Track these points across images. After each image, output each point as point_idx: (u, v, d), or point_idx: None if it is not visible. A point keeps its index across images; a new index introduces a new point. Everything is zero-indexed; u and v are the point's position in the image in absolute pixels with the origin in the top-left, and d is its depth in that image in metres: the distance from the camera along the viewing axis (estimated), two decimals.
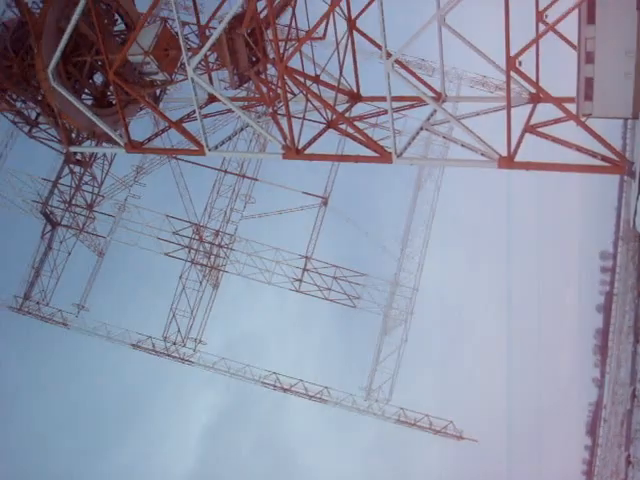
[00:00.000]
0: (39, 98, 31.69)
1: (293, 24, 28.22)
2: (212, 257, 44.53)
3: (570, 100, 21.54)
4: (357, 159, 25.06)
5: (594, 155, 20.74)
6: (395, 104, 25.30)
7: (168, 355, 44.09)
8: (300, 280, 43.80)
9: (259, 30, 27.01)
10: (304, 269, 43.89)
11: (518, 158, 21.79)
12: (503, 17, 19.38)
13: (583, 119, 20.85)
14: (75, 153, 35.65)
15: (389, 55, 22.61)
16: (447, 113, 23.95)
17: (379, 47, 23.27)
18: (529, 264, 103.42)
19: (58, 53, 29.19)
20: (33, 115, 33.35)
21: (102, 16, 30.75)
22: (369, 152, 24.62)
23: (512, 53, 20.24)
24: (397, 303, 45.34)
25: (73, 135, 32.94)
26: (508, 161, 21.69)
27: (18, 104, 32.53)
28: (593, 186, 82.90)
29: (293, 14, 27.95)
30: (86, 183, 42.55)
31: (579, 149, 21.08)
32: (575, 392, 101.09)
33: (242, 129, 33.93)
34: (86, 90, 32.46)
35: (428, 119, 26.10)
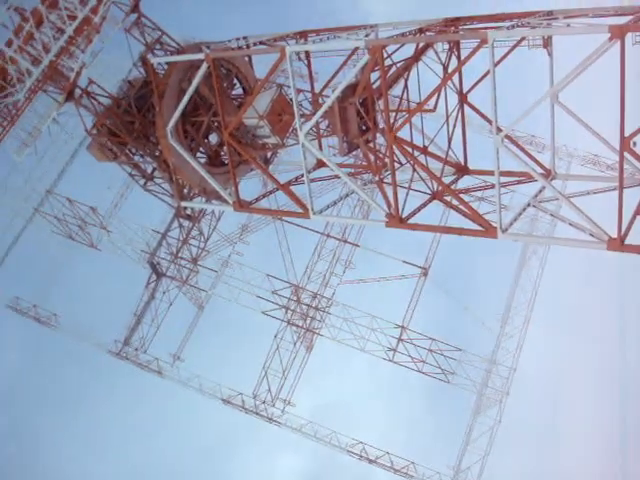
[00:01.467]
0: (156, 154, 33.29)
1: (404, 95, 28.67)
2: (308, 319, 44.70)
3: None
4: (461, 232, 24.82)
5: None
6: (503, 179, 25.08)
7: (256, 413, 44.12)
8: (394, 350, 43.23)
9: (371, 100, 27.55)
10: (399, 339, 43.33)
11: (629, 241, 21.03)
12: (618, 96, 19.04)
13: None
14: (185, 208, 36.98)
15: (499, 130, 22.56)
16: (556, 191, 23.50)
17: (489, 122, 23.24)
18: None
19: (178, 113, 30.70)
20: (149, 169, 35.02)
21: (222, 80, 32.24)
22: (473, 225, 24.37)
23: (626, 133, 19.77)
24: (493, 382, 43.96)
25: (185, 191, 34.29)
26: (618, 243, 20.94)
27: (136, 158, 34.27)
28: None
29: (405, 86, 28.41)
30: (193, 237, 43.90)
31: None
32: None
33: (347, 195, 34.45)
34: (201, 149, 33.87)
35: (536, 196, 25.67)
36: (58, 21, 29.08)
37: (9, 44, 28.44)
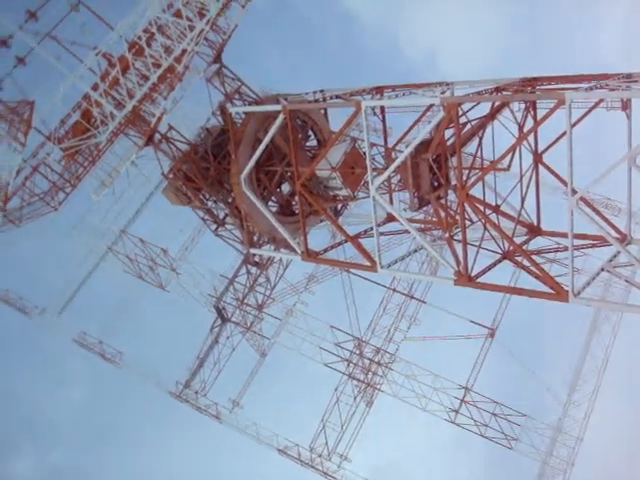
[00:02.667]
0: (229, 200, 33.86)
1: (478, 153, 28.49)
2: (370, 374, 44.15)
3: None
4: (531, 294, 24.21)
5: None
6: (576, 241, 24.45)
7: (312, 467, 43.49)
8: (456, 411, 42.19)
9: (444, 157, 27.46)
10: (462, 400, 42.30)
11: None
12: None
13: None
14: (254, 255, 37.35)
15: (574, 192, 22.08)
16: (631, 256, 22.76)
17: (564, 183, 22.81)
18: None
19: (253, 161, 31.25)
20: (221, 215, 35.61)
21: (297, 131, 32.73)
22: (544, 287, 23.76)
23: None
24: (558, 451, 42.27)
25: (255, 238, 34.66)
26: None
27: (209, 203, 34.92)
28: None
29: (479, 144, 28.25)
30: (260, 284, 44.22)
31: None
32: None
33: (416, 250, 34.24)
34: (273, 198, 34.30)
35: (610, 260, 24.91)
36: (143, 68, 30.22)
37: (95, 88, 29.60)
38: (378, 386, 44.49)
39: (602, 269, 24.80)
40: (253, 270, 42.74)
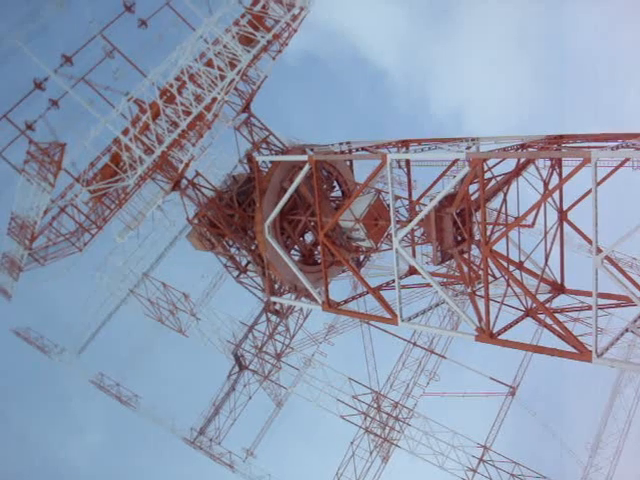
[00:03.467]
0: (252, 247, 34.01)
1: (503, 209, 28.47)
2: (387, 429, 43.45)
3: None
4: (554, 352, 23.89)
5: None
6: (600, 301, 24.21)
7: None
8: (474, 471, 41.26)
9: (468, 211, 27.47)
10: (480, 459, 41.39)
11: None
12: None
13: None
14: (275, 303, 37.27)
15: (599, 251, 21.93)
16: None
17: (589, 241, 22.71)
18: None
19: (277, 210, 31.48)
20: (244, 262, 35.70)
21: (322, 182, 32.99)
22: (567, 346, 23.45)
23: None
24: None
25: (276, 286, 34.69)
26: None
27: (233, 250, 35.06)
28: None
29: (504, 200, 28.27)
30: (279, 333, 43.95)
31: None
32: None
33: (438, 305, 33.98)
34: (296, 246, 34.41)
35: (635, 321, 24.54)
36: (173, 115, 30.74)
37: (125, 132, 30.14)
38: (395, 441, 43.72)
39: (626, 329, 24.44)
40: (273, 318, 42.57)
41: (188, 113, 30.60)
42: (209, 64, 31.05)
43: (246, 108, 33.73)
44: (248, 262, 35.27)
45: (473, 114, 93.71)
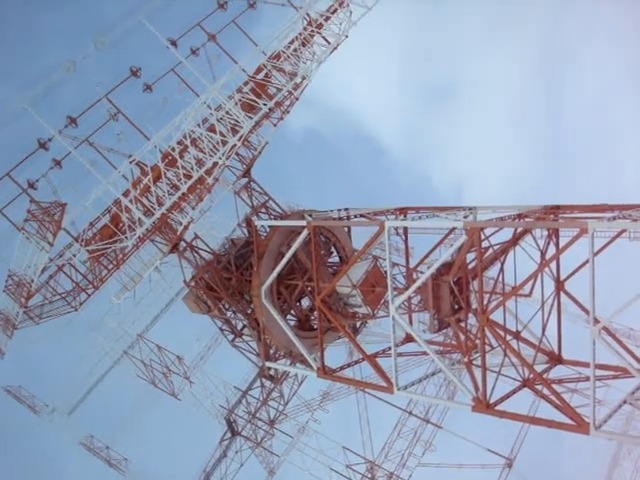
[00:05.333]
0: (249, 311, 33.87)
1: (500, 278, 28.49)
2: None
3: None
4: (551, 424, 23.58)
5: None
6: (598, 372, 23.96)
7: None
8: None
9: (465, 280, 27.49)
10: None
11: None
12: None
13: None
14: (269, 368, 36.88)
15: (596, 321, 21.87)
16: None
17: (586, 312, 22.66)
18: None
19: (274, 274, 31.47)
20: (239, 326, 35.50)
21: (320, 247, 33.08)
22: (565, 418, 23.16)
23: None
24: None
25: (271, 351, 34.40)
26: None
27: (229, 313, 34.90)
28: None
29: (501, 269, 28.31)
30: (273, 399, 43.43)
31: None
32: None
33: (434, 373, 33.69)
34: (292, 311, 34.25)
35: (633, 393, 24.35)
36: (174, 178, 31.07)
37: (126, 194, 30.39)
38: None
39: (624, 401, 24.22)
40: (267, 384, 42.13)
41: (189, 176, 30.93)
42: (211, 129, 31.56)
43: (246, 173, 34.13)
44: (244, 326, 35.10)
45: (473, 188, 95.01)
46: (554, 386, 25.08)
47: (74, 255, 30.55)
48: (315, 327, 33.36)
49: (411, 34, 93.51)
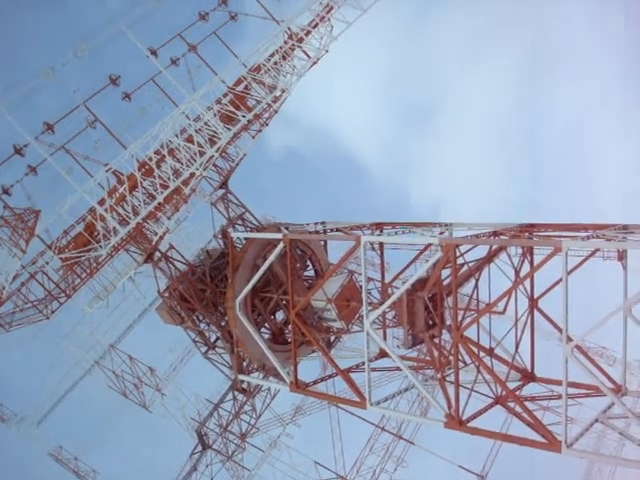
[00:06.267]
0: (222, 323, 33.67)
1: (474, 295, 28.60)
2: None
3: None
4: (523, 442, 23.66)
5: None
6: (570, 390, 24.15)
7: None
8: None
9: (440, 296, 27.56)
10: None
11: None
12: None
13: None
14: (242, 381, 36.63)
15: (569, 339, 22.03)
16: (626, 408, 22.42)
17: (559, 330, 22.81)
18: None
19: (249, 286, 31.34)
20: (213, 338, 35.27)
21: (296, 260, 33.03)
22: (537, 436, 23.24)
23: None
24: None
25: (244, 364, 34.19)
26: None
27: (202, 325, 34.67)
28: None
29: (476, 285, 28.44)
30: (245, 412, 43.05)
31: None
32: None
33: (407, 389, 33.63)
34: (266, 324, 34.11)
35: (605, 411, 24.51)
36: (150, 187, 30.87)
37: (102, 203, 30.14)
38: None
39: (596, 420, 24.37)
40: (240, 397, 41.83)
41: (165, 186, 30.76)
42: (189, 140, 31.43)
43: (223, 184, 34.03)
44: (217, 338, 34.88)
45: (451, 208, 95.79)
46: (526, 403, 25.19)
47: (47, 263, 30.18)
48: (289, 341, 33.24)
49: (391, 53, 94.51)
